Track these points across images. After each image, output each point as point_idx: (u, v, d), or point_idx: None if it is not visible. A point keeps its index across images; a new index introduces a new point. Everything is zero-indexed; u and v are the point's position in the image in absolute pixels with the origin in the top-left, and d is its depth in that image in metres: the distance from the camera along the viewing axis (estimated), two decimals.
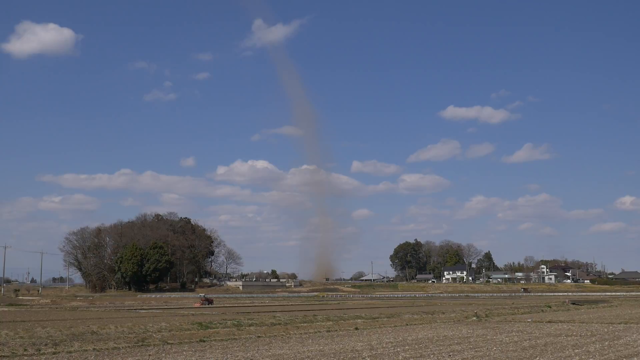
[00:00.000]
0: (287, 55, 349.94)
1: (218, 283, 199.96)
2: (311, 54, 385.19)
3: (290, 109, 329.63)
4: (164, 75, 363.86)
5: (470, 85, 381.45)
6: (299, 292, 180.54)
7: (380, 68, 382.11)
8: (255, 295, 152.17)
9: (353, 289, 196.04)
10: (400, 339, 31.41)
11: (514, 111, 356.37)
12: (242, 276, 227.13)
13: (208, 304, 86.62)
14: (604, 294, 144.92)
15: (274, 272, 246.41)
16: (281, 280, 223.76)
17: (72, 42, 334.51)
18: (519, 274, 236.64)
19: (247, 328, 38.34)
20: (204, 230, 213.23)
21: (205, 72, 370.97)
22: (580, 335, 32.78)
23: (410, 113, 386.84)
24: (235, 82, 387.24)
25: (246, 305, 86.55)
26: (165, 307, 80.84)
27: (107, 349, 27.30)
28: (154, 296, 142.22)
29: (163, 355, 25.00)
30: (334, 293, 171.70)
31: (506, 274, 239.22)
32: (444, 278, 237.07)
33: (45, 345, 27.97)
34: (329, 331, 37.01)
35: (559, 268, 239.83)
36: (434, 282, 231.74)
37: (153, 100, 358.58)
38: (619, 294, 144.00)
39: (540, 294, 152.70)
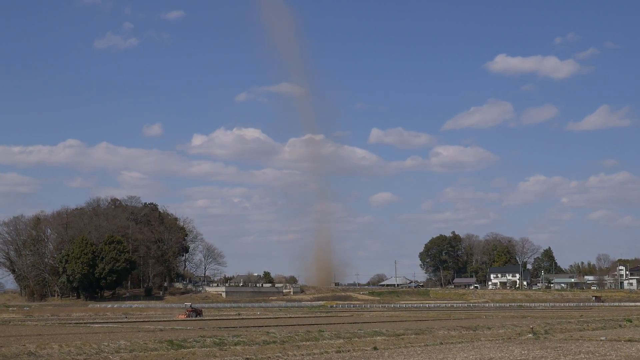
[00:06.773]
0: None
1: (194, 289, 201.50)
2: None
3: (288, 59, 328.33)
4: (122, 15, 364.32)
5: (527, 27, 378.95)
6: (300, 300, 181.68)
7: (407, 5, 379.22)
8: (242, 304, 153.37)
9: (371, 297, 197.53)
10: None
11: (585, 62, 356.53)
12: (226, 280, 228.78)
13: (196, 316, 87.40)
14: None
15: (267, 274, 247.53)
16: (277, 285, 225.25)
17: None
18: (590, 278, 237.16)
19: (231, 348, 38.51)
20: (176, 219, 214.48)
21: (177, 11, 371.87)
22: None
23: (448, 65, 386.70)
24: (217, 23, 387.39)
25: (231, 317, 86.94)
26: (126, 320, 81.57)
27: None
28: (110, 306, 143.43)
29: None
30: (345, 302, 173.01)
31: (572, 278, 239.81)
32: (490, 283, 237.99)
33: None
34: (340, 352, 37.15)
35: None
36: (476, 287, 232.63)
37: (107, 47, 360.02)
38: None
39: (617, 303, 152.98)
